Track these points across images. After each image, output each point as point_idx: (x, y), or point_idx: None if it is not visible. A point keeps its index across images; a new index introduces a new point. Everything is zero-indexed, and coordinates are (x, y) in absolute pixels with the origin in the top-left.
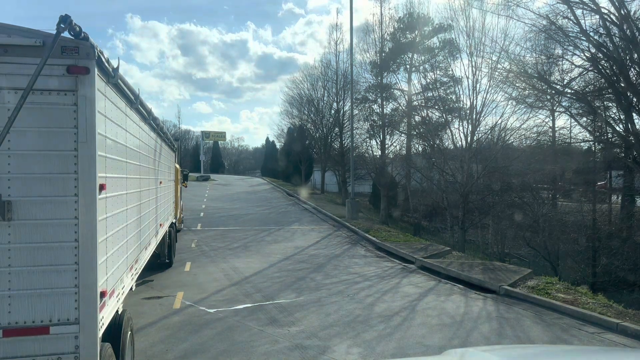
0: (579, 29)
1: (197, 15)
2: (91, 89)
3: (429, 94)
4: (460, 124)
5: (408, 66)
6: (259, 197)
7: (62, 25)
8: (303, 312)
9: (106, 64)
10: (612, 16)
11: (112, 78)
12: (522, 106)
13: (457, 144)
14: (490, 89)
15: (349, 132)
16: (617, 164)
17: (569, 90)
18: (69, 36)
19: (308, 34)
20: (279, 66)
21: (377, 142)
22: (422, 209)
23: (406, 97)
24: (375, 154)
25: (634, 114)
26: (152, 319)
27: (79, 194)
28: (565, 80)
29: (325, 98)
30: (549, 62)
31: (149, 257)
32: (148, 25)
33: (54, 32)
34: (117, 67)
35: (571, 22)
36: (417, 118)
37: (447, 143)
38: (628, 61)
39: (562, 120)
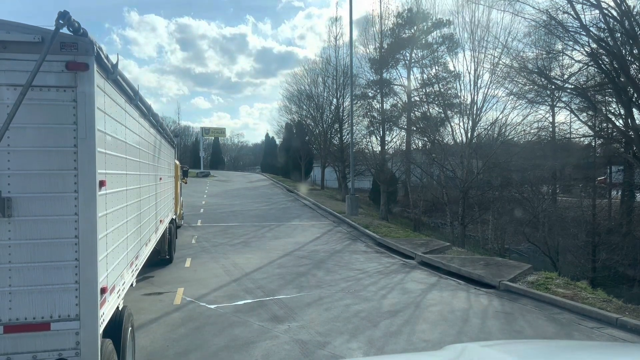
0: (579, 24)
1: (195, 8)
2: (90, 85)
3: (428, 89)
4: (461, 119)
5: (408, 61)
6: (259, 193)
7: (60, 21)
8: (304, 308)
9: (105, 60)
10: (612, 11)
11: (112, 74)
12: (523, 102)
13: (457, 140)
14: (491, 84)
15: (348, 128)
16: (617, 159)
17: (569, 86)
18: (68, 32)
19: (307, 28)
20: (278, 61)
21: (377, 138)
22: (422, 204)
23: (406, 92)
24: (375, 149)
25: (634, 109)
26: (153, 315)
27: (78, 191)
28: (566, 76)
29: (325, 94)
30: (549, 57)
31: (149, 253)
32: (145, 19)
33: (53, 28)
34: (117, 63)
35: (571, 17)
36: (417, 113)
37: (447, 139)
38: (628, 56)
39: (562, 116)
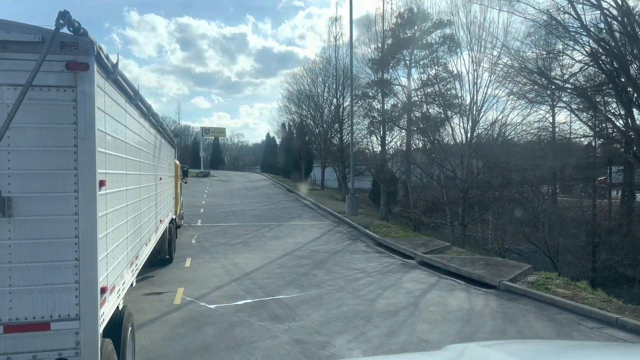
0: (579, 24)
1: (195, 8)
2: (90, 85)
3: (428, 90)
4: (461, 119)
5: (408, 62)
6: (259, 193)
7: (61, 21)
8: (304, 307)
9: (105, 60)
10: (612, 11)
11: (112, 74)
12: (523, 102)
13: (457, 140)
14: (491, 84)
15: (349, 128)
16: (617, 159)
17: (569, 86)
18: (68, 32)
19: (308, 27)
20: (278, 60)
21: (377, 138)
22: (422, 204)
23: (406, 92)
24: (375, 149)
25: (634, 109)
26: (153, 315)
27: (78, 190)
28: (566, 76)
29: (325, 94)
30: (549, 57)
31: (149, 253)
32: (145, 18)
33: (53, 28)
34: (117, 62)
35: (572, 17)
36: (417, 114)
37: (447, 139)
38: (629, 56)
39: (562, 116)
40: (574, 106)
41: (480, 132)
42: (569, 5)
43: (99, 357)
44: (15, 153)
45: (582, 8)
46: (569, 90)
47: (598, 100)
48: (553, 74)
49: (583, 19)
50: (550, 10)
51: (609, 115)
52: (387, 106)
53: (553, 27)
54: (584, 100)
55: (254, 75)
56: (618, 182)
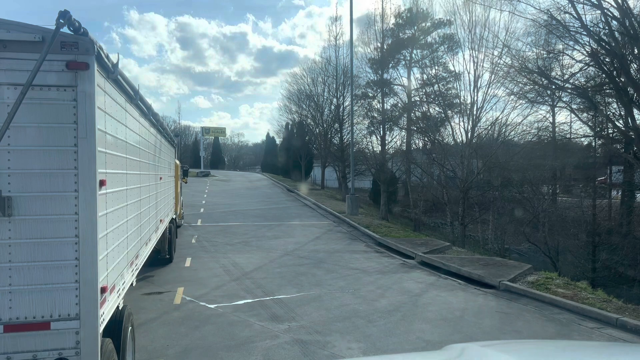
0: (579, 24)
1: (195, 7)
2: (91, 84)
3: (429, 89)
4: (461, 119)
5: (408, 61)
6: (259, 193)
7: (61, 21)
8: (304, 307)
9: (106, 60)
10: (613, 11)
11: (112, 73)
12: (523, 102)
13: (458, 140)
14: (491, 84)
15: (349, 128)
16: (618, 159)
17: (570, 86)
18: (68, 31)
19: (308, 26)
20: (278, 60)
21: (377, 138)
22: (422, 204)
23: (406, 92)
24: (375, 149)
25: (634, 109)
26: (153, 314)
27: (79, 190)
28: (566, 76)
29: (325, 93)
30: (549, 57)
31: (149, 253)
32: (145, 17)
33: (53, 27)
34: (117, 62)
35: (572, 17)
36: (417, 113)
37: (447, 139)
38: (629, 56)
39: (562, 116)
40: (574, 106)
41: (480, 132)
42: (570, 5)
43: (99, 357)
44: (16, 152)
45: (583, 8)
46: (569, 90)
47: (598, 100)
48: (553, 74)
49: (583, 19)
50: (551, 10)
51: (609, 115)
52: (387, 106)
53: (553, 27)
54: (584, 100)
55: (254, 74)
56: (618, 182)
